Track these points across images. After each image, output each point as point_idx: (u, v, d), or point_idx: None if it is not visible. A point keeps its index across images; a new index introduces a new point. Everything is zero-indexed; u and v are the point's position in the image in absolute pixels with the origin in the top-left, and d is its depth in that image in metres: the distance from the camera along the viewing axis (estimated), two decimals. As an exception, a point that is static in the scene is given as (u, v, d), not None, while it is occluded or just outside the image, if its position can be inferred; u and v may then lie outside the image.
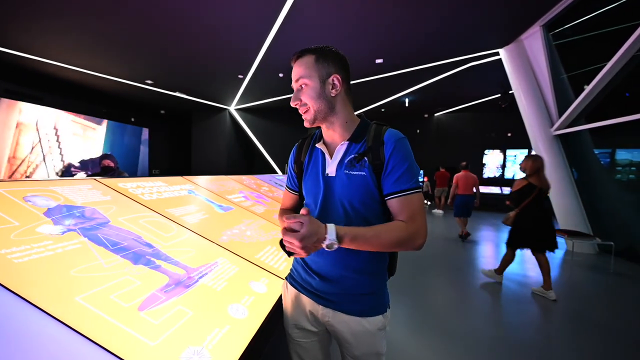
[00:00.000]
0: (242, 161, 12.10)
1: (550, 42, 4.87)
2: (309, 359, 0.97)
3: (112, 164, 3.40)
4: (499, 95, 8.27)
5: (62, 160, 8.09)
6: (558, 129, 4.94)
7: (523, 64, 5.22)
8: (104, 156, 3.48)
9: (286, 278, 1.04)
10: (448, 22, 4.54)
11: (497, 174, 11.18)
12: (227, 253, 1.31)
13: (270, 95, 9.09)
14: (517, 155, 10.84)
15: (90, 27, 4.72)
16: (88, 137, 8.76)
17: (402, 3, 4.01)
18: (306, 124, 0.89)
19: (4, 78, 6.69)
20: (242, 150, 12.01)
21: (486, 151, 11.29)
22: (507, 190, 9.97)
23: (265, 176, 3.61)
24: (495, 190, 10.24)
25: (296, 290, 0.96)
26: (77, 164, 8.45)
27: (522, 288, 3.30)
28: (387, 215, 0.86)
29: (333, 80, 0.85)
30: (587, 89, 4.33)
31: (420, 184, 0.87)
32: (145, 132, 10.94)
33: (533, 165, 3.11)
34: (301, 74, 0.85)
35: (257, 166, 12.09)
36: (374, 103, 9.69)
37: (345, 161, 0.86)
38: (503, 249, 3.36)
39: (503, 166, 11.14)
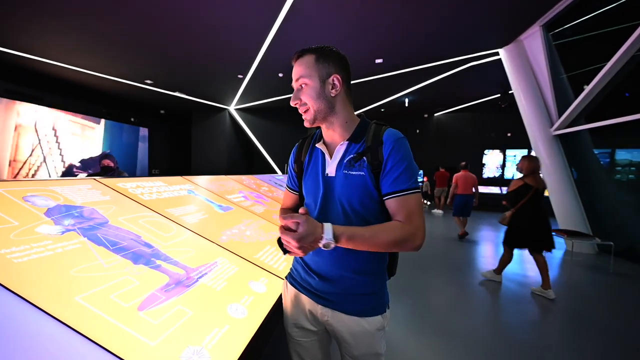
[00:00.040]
0: (242, 161, 12.10)
1: (550, 42, 4.87)
2: (308, 358, 0.97)
3: (111, 164, 3.40)
4: (499, 95, 8.28)
5: (62, 160, 8.10)
6: (558, 129, 4.94)
7: (523, 64, 5.22)
8: (103, 156, 3.47)
9: (286, 277, 1.04)
10: (448, 22, 4.54)
11: (497, 174, 11.19)
12: (227, 253, 1.31)
13: (270, 95, 9.09)
14: (516, 155, 10.84)
15: (90, 27, 4.72)
16: (87, 136, 8.76)
17: (402, 3, 4.01)
18: (306, 124, 0.89)
19: (4, 78, 6.68)
20: (242, 150, 12.01)
21: (486, 151, 11.29)
22: (506, 190, 10.02)
23: (264, 176, 3.61)
24: (495, 190, 10.25)
25: (296, 290, 0.97)
26: (77, 164, 8.46)
27: (521, 288, 3.30)
28: (386, 216, 0.86)
29: (333, 80, 0.85)
30: (587, 89, 4.33)
31: (420, 184, 0.87)
32: (143, 129, 10.93)
33: (529, 165, 3.15)
34: (301, 73, 0.85)
35: (257, 166, 12.09)
36: (373, 103, 9.69)
37: (345, 161, 0.86)
38: (502, 249, 3.38)
39: (503, 166, 11.15)
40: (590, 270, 4.07)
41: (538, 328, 2.52)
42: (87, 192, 1.30)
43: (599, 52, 4.32)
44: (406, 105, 9.76)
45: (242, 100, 9.73)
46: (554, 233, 4.48)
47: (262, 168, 11.55)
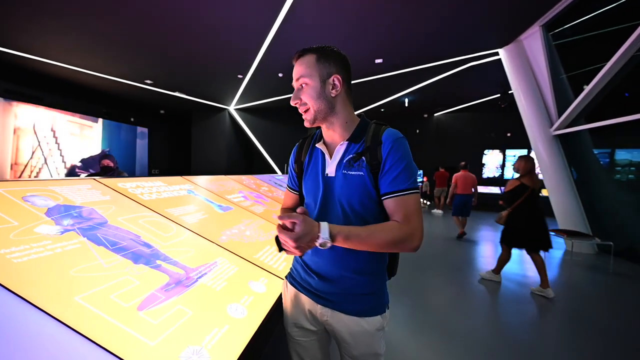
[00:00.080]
0: (242, 161, 12.10)
1: (550, 42, 4.88)
2: (308, 358, 0.97)
3: (111, 164, 3.40)
4: (499, 95, 8.28)
5: (63, 161, 8.11)
6: (557, 129, 4.94)
7: (522, 64, 5.22)
8: (103, 156, 3.47)
9: (286, 277, 1.04)
10: (448, 22, 4.54)
11: (497, 174, 11.19)
12: (227, 253, 1.31)
13: (270, 95, 9.09)
14: (516, 155, 10.83)
15: (90, 27, 4.72)
16: (86, 135, 8.76)
17: (402, 3, 4.01)
18: (306, 124, 0.89)
19: (4, 78, 6.68)
20: (242, 150, 12.01)
21: (486, 151, 11.29)
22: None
23: (264, 176, 3.62)
24: (494, 190, 10.25)
25: (295, 290, 0.97)
26: (78, 163, 8.48)
27: (521, 288, 3.30)
28: (385, 216, 0.85)
29: (334, 80, 0.84)
30: (587, 89, 4.33)
31: (420, 184, 0.87)
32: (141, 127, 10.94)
33: (525, 165, 3.19)
34: (302, 73, 0.85)
35: (257, 166, 12.09)
36: (373, 103, 9.69)
37: (344, 161, 0.86)
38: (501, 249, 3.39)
39: (502, 166, 11.15)
40: (590, 270, 4.07)
41: (538, 328, 2.52)
42: (86, 192, 1.30)
43: (599, 52, 4.32)
44: (406, 105, 9.77)
45: (242, 100, 9.73)
46: (553, 233, 4.50)
47: (262, 168, 11.55)
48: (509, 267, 3.79)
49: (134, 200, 1.44)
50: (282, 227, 0.74)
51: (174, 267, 1.04)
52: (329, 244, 0.74)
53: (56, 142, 7.89)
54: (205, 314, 0.86)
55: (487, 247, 5.11)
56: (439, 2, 3.97)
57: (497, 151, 11.18)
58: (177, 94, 8.84)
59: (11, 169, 6.86)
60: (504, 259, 3.37)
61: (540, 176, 5.34)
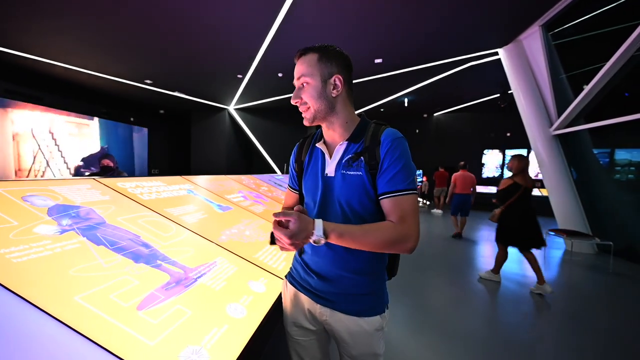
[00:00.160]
0: (241, 161, 12.09)
1: (550, 42, 4.88)
2: (307, 357, 0.97)
3: (111, 164, 3.40)
4: (498, 95, 8.28)
5: (65, 162, 8.13)
6: (557, 128, 4.95)
7: (522, 63, 5.22)
8: (103, 156, 3.48)
9: (286, 277, 1.04)
10: (448, 22, 4.54)
11: (496, 174, 11.20)
12: (226, 253, 1.31)
13: (269, 95, 9.09)
14: (516, 155, 10.84)
15: (90, 27, 4.72)
16: (84, 134, 8.76)
17: (402, 3, 4.01)
18: (305, 123, 0.89)
19: (3, 78, 6.67)
20: (242, 150, 12.01)
21: (485, 151, 11.30)
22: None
23: (264, 176, 3.62)
24: (494, 190, 10.24)
25: (295, 289, 0.97)
26: (80, 163, 8.53)
27: (520, 288, 3.30)
28: (384, 216, 0.85)
29: (335, 80, 0.84)
30: (586, 88, 4.33)
31: (420, 183, 0.86)
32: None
33: (519, 165, 3.25)
34: (303, 72, 0.85)
35: (256, 166, 12.08)
36: (373, 103, 9.68)
37: (343, 161, 0.86)
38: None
39: (502, 166, 11.16)
40: (590, 270, 4.07)
41: (537, 328, 2.53)
42: (86, 191, 1.30)
43: (599, 52, 4.32)
44: (406, 105, 9.77)
45: (241, 100, 9.73)
46: (552, 233, 4.52)
47: (262, 168, 11.54)
48: (509, 267, 3.79)
49: (134, 200, 1.44)
50: (278, 224, 0.75)
51: (173, 267, 1.04)
52: (322, 241, 0.74)
53: (56, 144, 7.90)
54: (204, 314, 0.86)
55: (486, 247, 5.11)
56: (439, 2, 3.97)
57: (496, 151, 11.18)
58: (176, 93, 8.84)
59: (15, 175, 6.89)
60: (501, 257, 3.39)
61: (540, 176, 5.35)
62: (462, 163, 5.83)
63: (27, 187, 1.12)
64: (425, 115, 11.74)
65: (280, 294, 1.09)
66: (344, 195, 0.85)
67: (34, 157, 7.35)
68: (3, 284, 0.68)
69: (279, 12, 4.27)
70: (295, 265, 1.01)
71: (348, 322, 0.87)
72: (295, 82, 0.88)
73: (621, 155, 5.03)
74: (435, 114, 11.74)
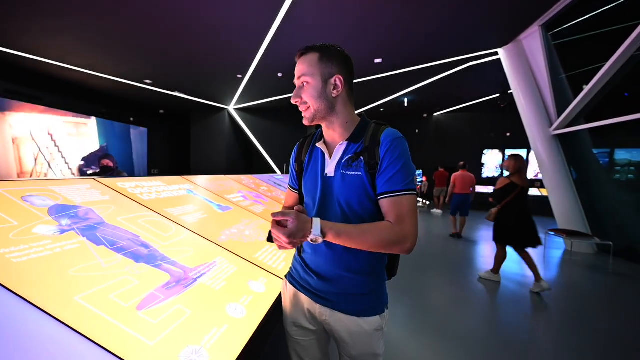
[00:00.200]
0: (241, 161, 12.09)
1: (549, 42, 4.88)
2: (307, 357, 0.97)
3: (111, 164, 3.40)
4: (498, 95, 8.29)
5: (65, 162, 8.15)
6: (557, 128, 4.95)
7: (522, 63, 5.22)
8: (103, 156, 3.48)
9: (286, 276, 1.04)
10: (448, 22, 4.54)
11: (496, 174, 11.20)
12: (226, 252, 1.31)
13: (269, 95, 9.09)
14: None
15: (90, 26, 4.72)
16: (82, 133, 8.76)
17: (402, 3, 4.01)
18: (305, 122, 0.89)
19: (3, 78, 6.67)
20: (241, 150, 12.01)
21: (485, 151, 11.31)
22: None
23: (264, 176, 3.62)
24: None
25: (295, 289, 0.97)
26: (81, 162, 8.55)
27: (520, 288, 3.31)
28: (383, 216, 0.86)
29: (335, 81, 0.84)
30: (586, 88, 4.33)
31: (419, 183, 0.86)
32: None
33: (515, 164, 3.28)
34: (304, 71, 0.84)
35: (256, 166, 12.08)
36: (372, 103, 9.69)
37: (343, 161, 0.86)
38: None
39: (502, 166, 11.16)
40: (589, 270, 4.07)
41: (537, 328, 2.53)
42: (86, 191, 1.30)
43: (598, 52, 4.32)
44: (405, 105, 9.77)
45: (241, 100, 9.73)
46: (552, 233, 4.52)
47: (262, 168, 11.54)
48: (508, 267, 3.79)
49: (134, 200, 1.44)
50: (277, 223, 0.75)
51: (173, 266, 1.04)
52: (320, 240, 0.74)
53: (55, 145, 7.91)
54: (204, 314, 0.86)
55: (486, 247, 5.11)
56: (438, 2, 3.97)
57: (496, 151, 11.19)
58: (176, 93, 8.84)
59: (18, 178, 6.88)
60: (500, 257, 3.41)
61: (540, 176, 5.35)
62: (462, 163, 5.84)
63: (27, 187, 1.12)
64: (425, 115, 11.74)
65: (280, 293, 1.09)
66: (344, 195, 0.85)
67: (35, 160, 7.37)
68: (3, 284, 0.68)
69: (279, 12, 4.27)
70: (295, 265, 1.01)
71: (348, 322, 0.87)
72: (296, 81, 0.87)
73: (621, 155, 5.03)
74: (435, 114, 11.75)
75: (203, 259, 1.18)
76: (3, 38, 5.17)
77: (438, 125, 11.78)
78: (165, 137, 12.33)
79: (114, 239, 1.04)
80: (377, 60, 6.00)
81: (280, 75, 6.96)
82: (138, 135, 10.77)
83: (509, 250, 3.38)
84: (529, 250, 3.24)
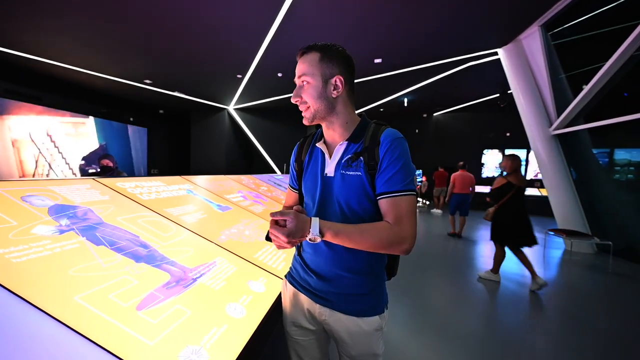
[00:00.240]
0: (241, 161, 12.09)
1: (549, 42, 4.88)
2: (307, 357, 0.97)
3: (111, 164, 3.40)
4: (498, 95, 8.29)
5: (66, 163, 8.16)
6: (556, 128, 4.95)
7: (521, 63, 5.23)
8: (103, 156, 3.48)
9: (285, 276, 1.04)
10: (447, 22, 4.54)
11: (496, 174, 11.21)
12: (226, 252, 1.31)
13: (269, 95, 9.08)
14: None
15: (90, 26, 4.71)
16: (81, 133, 8.75)
17: (402, 3, 4.01)
18: (305, 122, 0.89)
19: (3, 78, 6.67)
20: (241, 150, 12.01)
21: (485, 151, 11.31)
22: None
23: (264, 176, 3.62)
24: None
25: (294, 289, 0.97)
26: (82, 162, 8.57)
27: (520, 287, 3.31)
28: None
29: (336, 81, 0.84)
30: (586, 88, 4.34)
31: (419, 183, 0.86)
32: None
33: (512, 164, 3.32)
34: (304, 71, 0.84)
35: (256, 166, 12.08)
36: (372, 103, 9.69)
37: (342, 161, 0.86)
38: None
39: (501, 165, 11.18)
40: (589, 270, 4.07)
41: (537, 328, 2.53)
42: (85, 191, 1.30)
43: (598, 51, 4.33)
44: (405, 105, 9.77)
45: (241, 100, 9.73)
46: (552, 232, 4.53)
47: (261, 168, 11.54)
48: (508, 267, 3.79)
49: (133, 200, 1.44)
50: (275, 223, 0.75)
51: (173, 266, 1.04)
52: (318, 239, 0.75)
53: (55, 146, 7.92)
54: (204, 314, 0.86)
55: (486, 247, 5.11)
56: (439, 2, 3.97)
57: (496, 151, 11.20)
58: (176, 93, 8.83)
59: None
60: (499, 256, 3.42)
61: (540, 176, 5.35)
62: (461, 163, 5.85)
63: (26, 187, 1.12)
64: (424, 115, 11.74)
65: (280, 293, 1.09)
66: (343, 195, 0.85)
67: (36, 161, 7.38)
68: (2, 284, 0.68)
69: (279, 12, 4.26)
70: (294, 265, 1.01)
71: (347, 322, 0.87)
72: (296, 80, 0.87)
73: (620, 155, 5.04)
74: (434, 114, 11.75)
75: (203, 259, 1.18)
76: (3, 38, 5.17)
77: (438, 125, 11.79)
78: (165, 137, 12.33)
79: (113, 239, 1.04)
80: (377, 60, 6.00)
81: (280, 75, 6.96)
82: (136, 133, 10.77)
83: (507, 249, 3.39)
84: (526, 249, 3.25)
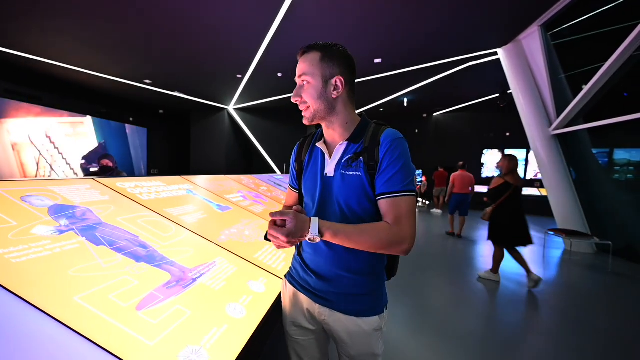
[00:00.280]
0: (241, 161, 12.09)
1: (549, 42, 4.88)
2: (307, 357, 0.97)
3: (110, 164, 3.40)
4: (498, 95, 8.30)
5: (67, 163, 8.17)
6: (556, 128, 4.95)
7: (521, 63, 5.23)
8: (103, 156, 3.48)
9: (285, 276, 1.04)
10: (447, 22, 4.54)
11: (496, 174, 11.18)
12: (226, 252, 1.31)
13: (269, 95, 9.08)
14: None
15: (90, 26, 4.71)
16: (80, 132, 8.76)
17: (402, 3, 4.01)
18: (305, 122, 0.89)
19: (4, 78, 6.66)
20: (241, 150, 12.01)
21: (485, 151, 11.31)
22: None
23: (263, 176, 3.62)
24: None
25: (294, 289, 0.97)
26: (82, 161, 8.58)
27: (520, 287, 3.31)
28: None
29: (336, 81, 0.83)
30: (585, 88, 4.34)
31: (419, 183, 0.86)
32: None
33: (509, 164, 3.35)
34: (305, 70, 0.84)
35: (256, 166, 12.08)
36: (372, 103, 9.69)
37: (343, 161, 0.86)
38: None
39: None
40: (589, 270, 4.08)
41: (536, 327, 2.53)
42: (85, 192, 1.30)
43: (598, 52, 4.33)
44: (405, 105, 9.77)
45: (241, 100, 9.73)
46: (552, 232, 4.53)
47: (261, 168, 11.54)
48: (508, 267, 3.79)
49: (133, 200, 1.44)
50: (274, 223, 0.75)
51: (172, 267, 1.04)
52: (317, 239, 0.75)
53: (55, 147, 7.92)
54: (204, 314, 0.86)
55: (485, 247, 5.11)
56: (439, 2, 3.97)
57: (496, 151, 11.21)
58: (176, 93, 8.83)
59: None
60: (498, 256, 3.43)
61: (539, 175, 5.36)
62: (461, 163, 5.86)
63: (26, 187, 1.12)
64: (424, 115, 11.74)
65: (280, 293, 1.09)
66: (343, 195, 0.85)
67: (37, 163, 7.40)
68: (2, 284, 0.68)
69: (279, 12, 4.27)
70: (294, 265, 1.01)
71: (347, 322, 0.87)
72: (297, 80, 0.87)
73: (620, 155, 5.04)
74: (434, 114, 11.75)
75: (203, 259, 1.18)
76: (3, 38, 5.17)
77: (438, 125, 11.79)
78: (165, 137, 12.33)
79: (113, 239, 1.04)
80: (377, 60, 6.00)
81: (280, 75, 6.96)
82: (135, 132, 10.76)
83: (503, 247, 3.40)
84: (526, 249, 3.27)
